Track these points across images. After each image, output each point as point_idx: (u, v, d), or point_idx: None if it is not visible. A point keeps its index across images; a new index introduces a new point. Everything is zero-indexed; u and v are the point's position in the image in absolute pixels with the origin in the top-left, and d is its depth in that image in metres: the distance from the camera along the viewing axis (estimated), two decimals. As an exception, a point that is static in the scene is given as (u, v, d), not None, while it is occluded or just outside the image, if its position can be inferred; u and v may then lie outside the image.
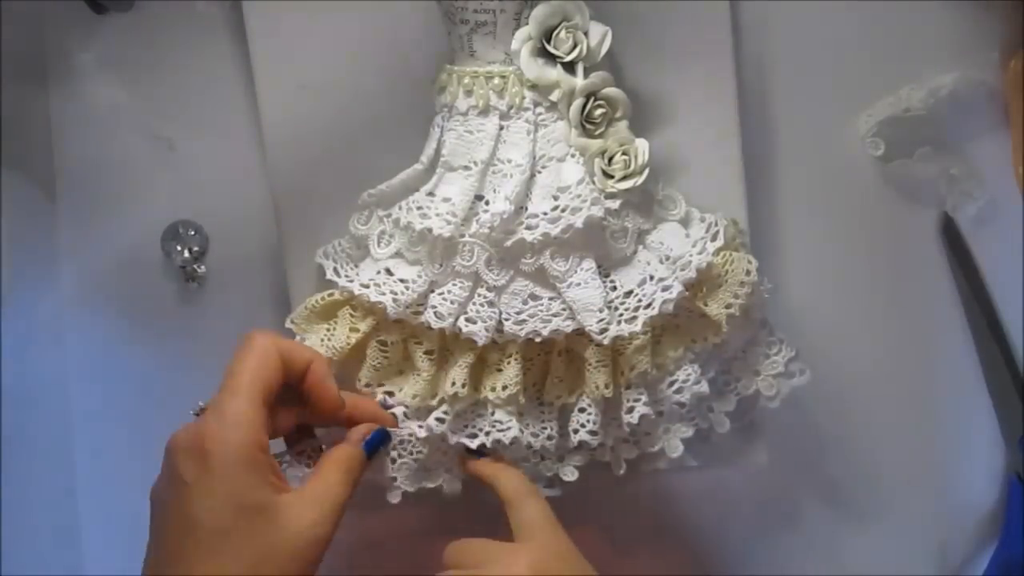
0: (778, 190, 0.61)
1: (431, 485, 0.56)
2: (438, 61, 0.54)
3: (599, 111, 0.53)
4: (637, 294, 0.53)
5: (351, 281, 0.54)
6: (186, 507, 0.44)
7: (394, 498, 0.55)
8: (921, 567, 0.64)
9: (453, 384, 0.53)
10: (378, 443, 0.52)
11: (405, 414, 0.54)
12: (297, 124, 0.56)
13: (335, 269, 0.55)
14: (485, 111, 0.53)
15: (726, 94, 0.56)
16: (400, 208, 0.54)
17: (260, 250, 0.60)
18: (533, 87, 0.53)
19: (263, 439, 0.46)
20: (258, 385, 0.47)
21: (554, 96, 0.53)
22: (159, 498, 0.46)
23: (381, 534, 0.61)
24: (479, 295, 0.53)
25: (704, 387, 0.54)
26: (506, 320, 0.53)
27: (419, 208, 0.53)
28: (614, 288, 0.53)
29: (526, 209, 0.52)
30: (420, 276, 0.53)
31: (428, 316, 0.53)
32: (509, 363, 0.53)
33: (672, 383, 0.54)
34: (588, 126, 0.53)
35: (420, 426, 0.54)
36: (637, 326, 0.53)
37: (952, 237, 0.62)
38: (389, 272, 0.54)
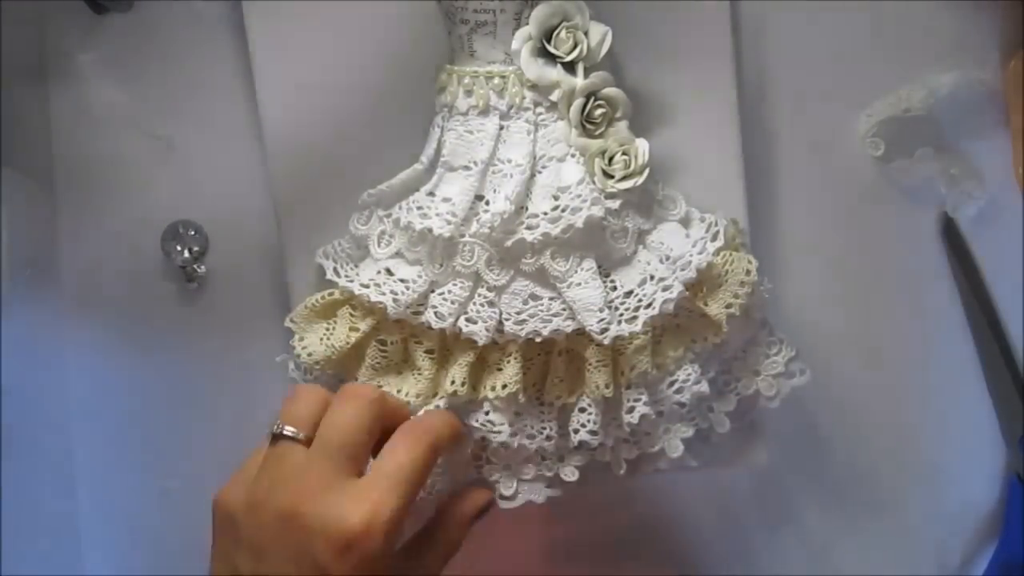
0: (778, 190, 0.61)
1: None
2: (438, 61, 0.54)
3: (599, 111, 0.53)
4: (637, 294, 0.53)
5: (351, 281, 0.54)
6: None
7: None
8: (920, 567, 0.64)
9: (453, 383, 0.53)
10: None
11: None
12: (297, 124, 0.55)
13: (335, 269, 0.54)
14: (485, 111, 0.53)
15: (726, 94, 0.56)
16: (400, 208, 0.54)
17: (260, 250, 0.60)
18: (533, 87, 0.53)
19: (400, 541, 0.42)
20: (418, 487, 0.40)
21: (554, 96, 0.53)
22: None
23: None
24: (479, 295, 0.53)
25: (704, 387, 0.54)
26: (506, 320, 0.53)
27: (419, 208, 0.53)
28: (614, 288, 0.53)
29: (526, 209, 0.52)
30: (420, 276, 0.53)
31: (428, 316, 0.53)
32: (509, 362, 0.53)
33: (672, 383, 0.54)
34: (588, 126, 0.53)
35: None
36: (637, 326, 0.53)
37: (952, 237, 0.62)
38: (389, 272, 0.54)
